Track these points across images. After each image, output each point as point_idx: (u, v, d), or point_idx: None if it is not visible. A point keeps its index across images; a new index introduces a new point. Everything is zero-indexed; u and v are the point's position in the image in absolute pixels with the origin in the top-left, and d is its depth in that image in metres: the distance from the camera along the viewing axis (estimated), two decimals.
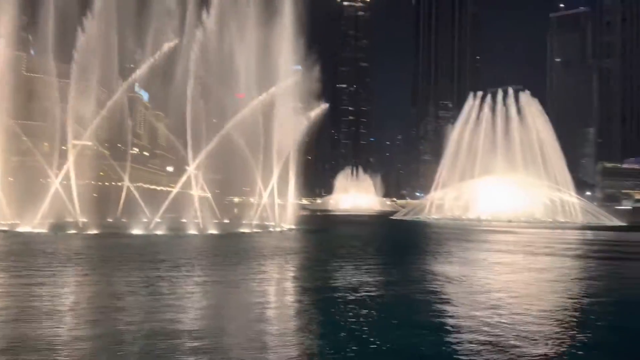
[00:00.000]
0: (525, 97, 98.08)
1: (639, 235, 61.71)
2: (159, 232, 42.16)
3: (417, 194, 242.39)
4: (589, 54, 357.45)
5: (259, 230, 47.75)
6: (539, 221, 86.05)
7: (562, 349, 11.08)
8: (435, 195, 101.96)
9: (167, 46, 46.56)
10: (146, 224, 46.19)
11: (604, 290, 19.63)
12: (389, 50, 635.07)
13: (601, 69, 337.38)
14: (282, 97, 50.98)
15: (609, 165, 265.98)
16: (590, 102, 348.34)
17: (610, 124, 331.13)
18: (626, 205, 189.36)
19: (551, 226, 76.36)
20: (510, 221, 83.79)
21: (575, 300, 17.12)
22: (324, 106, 55.07)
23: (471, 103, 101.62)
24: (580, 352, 10.96)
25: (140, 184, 76.01)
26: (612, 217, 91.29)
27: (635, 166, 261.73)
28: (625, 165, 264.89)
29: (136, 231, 42.92)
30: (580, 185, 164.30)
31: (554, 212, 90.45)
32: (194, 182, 48.32)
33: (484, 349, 10.74)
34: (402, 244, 43.03)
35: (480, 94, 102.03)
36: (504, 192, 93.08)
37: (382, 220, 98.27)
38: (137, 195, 56.67)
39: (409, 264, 26.38)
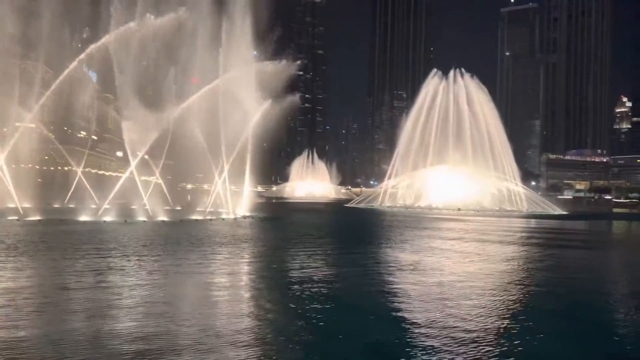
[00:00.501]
0: (467, 77, 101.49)
1: (578, 224, 65.09)
2: (107, 219, 40.85)
3: (372, 182, 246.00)
4: (536, 49, 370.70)
5: (212, 218, 47.04)
6: (486, 209, 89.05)
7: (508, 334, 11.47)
8: (389, 184, 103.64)
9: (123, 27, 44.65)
10: (94, 210, 44.73)
11: (550, 278, 20.51)
12: (345, 38, 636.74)
13: (547, 64, 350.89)
14: (238, 83, 50.05)
15: (552, 156, 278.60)
16: (537, 95, 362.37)
17: (554, 117, 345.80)
18: (567, 195, 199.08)
19: (498, 214, 79.17)
20: (459, 209, 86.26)
21: (526, 288, 17.81)
22: (296, 98, 54.34)
23: (430, 81, 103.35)
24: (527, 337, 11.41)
25: (88, 169, 73.27)
26: (555, 206, 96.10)
27: (577, 158, 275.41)
28: (567, 157, 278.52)
29: (84, 218, 41.47)
30: (526, 175, 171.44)
31: (501, 201, 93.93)
32: (134, 168, 46.68)
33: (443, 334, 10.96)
34: (358, 232, 43.42)
35: (440, 72, 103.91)
36: (454, 182, 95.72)
37: (337, 208, 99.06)
38: (84, 180, 54.67)
39: (365, 252, 26.64)
